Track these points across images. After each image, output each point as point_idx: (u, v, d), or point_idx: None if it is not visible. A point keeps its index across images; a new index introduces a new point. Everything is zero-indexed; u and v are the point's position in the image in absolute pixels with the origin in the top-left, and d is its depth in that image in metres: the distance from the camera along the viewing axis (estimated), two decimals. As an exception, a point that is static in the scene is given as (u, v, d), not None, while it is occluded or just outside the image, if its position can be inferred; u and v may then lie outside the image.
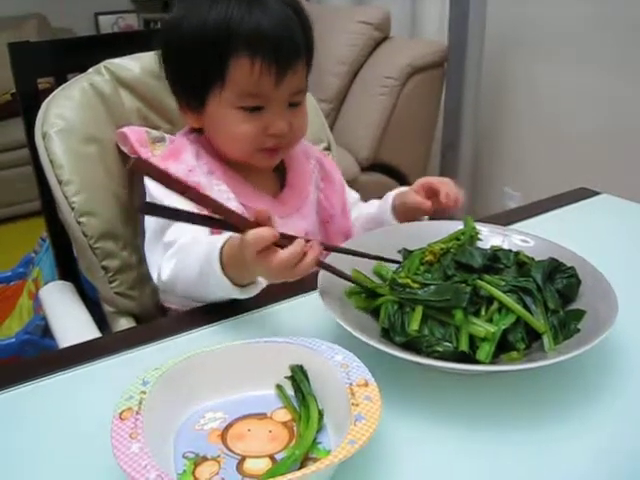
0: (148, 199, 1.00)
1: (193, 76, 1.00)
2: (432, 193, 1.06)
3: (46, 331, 1.99)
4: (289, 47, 0.97)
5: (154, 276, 0.99)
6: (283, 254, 0.75)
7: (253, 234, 0.75)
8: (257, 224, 0.76)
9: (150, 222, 1.01)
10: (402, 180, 2.42)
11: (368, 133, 2.62)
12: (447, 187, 1.05)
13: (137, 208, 0.83)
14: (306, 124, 1.08)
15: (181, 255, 0.92)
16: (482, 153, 2.79)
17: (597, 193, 1.30)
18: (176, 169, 1.01)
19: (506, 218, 1.15)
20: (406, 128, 2.67)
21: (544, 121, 2.57)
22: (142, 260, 1.06)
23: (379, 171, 2.62)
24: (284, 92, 0.99)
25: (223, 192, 1.02)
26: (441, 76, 2.65)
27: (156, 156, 1.07)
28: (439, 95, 2.71)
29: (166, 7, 4.35)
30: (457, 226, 0.95)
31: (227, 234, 0.84)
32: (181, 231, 0.95)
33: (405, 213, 1.09)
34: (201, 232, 0.93)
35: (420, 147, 2.76)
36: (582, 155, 2.43)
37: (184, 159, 1.04)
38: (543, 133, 2.59)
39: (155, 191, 0.99)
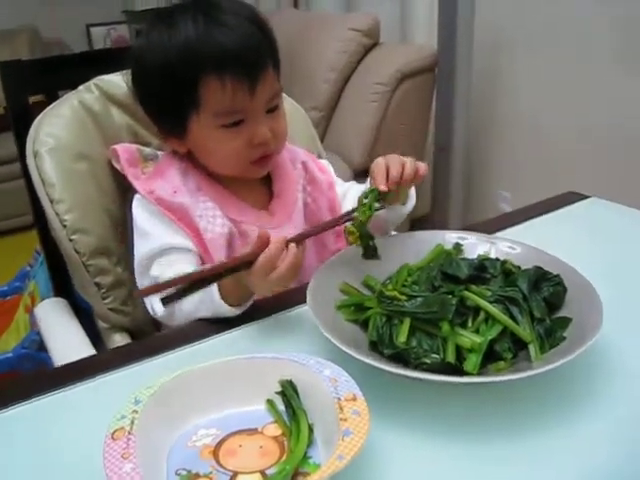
0: (135, 232, 1.05)
1: (168, 105, 1.01)
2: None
3: (43, 345, 1.99)
4: (256, 58, 0.98)
5: (148, 308, 1.01)
6: (258, 260, 0.82)
7: (263, 258, 0.82)
8: (260, 250, 0.83)
9: (137, 251, 1.04)
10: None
11: (360, 139, 2.63)
12: (394, 165, 0.96)
13: (138, 295, 0.86)
14: (286, 126, 1.08)
15: None
16: (474, 156, 2.80)
17: (586, 197, 1.30)
18: (162, 188, 1.03)
19: (495, 224, 1.17)
20: (398, 133, 2.68)
21: (535, 123, 2.58)
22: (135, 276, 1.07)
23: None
24: (260, 101, 0.99)
25: (209, 209, 1.03)
26: (431, 81, 2.66)
27: (145, 174, 1.08)
28: (430, 99, 2.71)
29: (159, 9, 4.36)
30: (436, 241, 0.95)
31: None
32: (164, 266, 0.99)
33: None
34: (185, 266, 0.98)
35: (412, 152, 2.72)
36: (574, 157, 2.44)
37: (169, 178, 1.05)
38: (534, 135, 2.60)
39: (145, 224, 1.03)
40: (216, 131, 1.00)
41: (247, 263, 0.83)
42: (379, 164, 0.96)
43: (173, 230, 1.02)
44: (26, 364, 2.05)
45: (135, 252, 1.05)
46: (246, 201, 1.09)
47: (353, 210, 0.92)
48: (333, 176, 1.22)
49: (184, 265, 0.99)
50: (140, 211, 1.05)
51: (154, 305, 0.98)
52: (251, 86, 0.97)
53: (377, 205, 0.92)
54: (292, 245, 0.85)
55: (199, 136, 1.02)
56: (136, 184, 1.06)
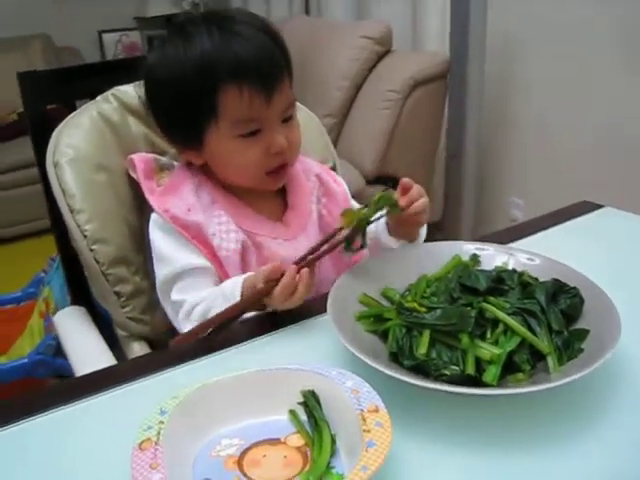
0: (154, 255, 1.08)
1: (184, 118, 1.02)
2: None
3: (58, 351, 2.01)
4: (272, 68, 1.00)
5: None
6: (276, 290, 0.89)
7: (279, 291, 0.89)
8: (277, 280, 0.89)
9: (157, 274, 1.07)
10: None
11: (372, 146, 2.64)
12: (413, 189, 1.02)
13: (175, 345, 0.91)
14: (300, 136, 1.09)
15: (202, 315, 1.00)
16: (486, 163, 2.80)
17: (600, 206, 1.31)
18: (176, 206, 1.05)
19: (509, 235, 1.17)
20: (410, 140, 2.69)
21: (547, 130, 2.59)
22: (154, 285, 1.09)
23: (384, 184, 2.63)
24: (276, 110, 1.01)
25: (223, 224, 1.05)
26: (444, 88, 2.67)
27: (161, 186, 1.10)
28: (442, 107, 2.72)
29: (169, 23, 4.39)
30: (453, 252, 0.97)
31: (238, 279, 0.98)
32: (183, 291, 1.04)
33: (395, 226, 1.08)
34: (203, 289, 1.02)
35: (424, 159, 2.78)
36: (587, 163, 2.44)
37: (183, 195, 1.06)
38: (547, 142, 2.60)
39: (162, 247, 1.06)
40: (234, 141, 1.01)
41: (265, 295, 0.91)
42: (410, 181, 1.02)
43: (189, 250, 1.04)
44: (41, 370, 2.06)
45: (156, 275, 1.07)
46: (261, 213, 1.10)
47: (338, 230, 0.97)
48: (347, 190, 1.23)
49: (202, 287, 1.02)
50: (157, 232, 1.07)
51: (182, 329, 1.03)
52: (268, 95, 0.99)
53: (383, 212, 0.98)
54: (304, 270, 0.91)
55: (216, 147, 1.03)
56: (151, 200, 1.07)
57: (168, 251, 1.05)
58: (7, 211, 3.64)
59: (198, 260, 1.03)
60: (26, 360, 2.08)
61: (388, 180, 2.63)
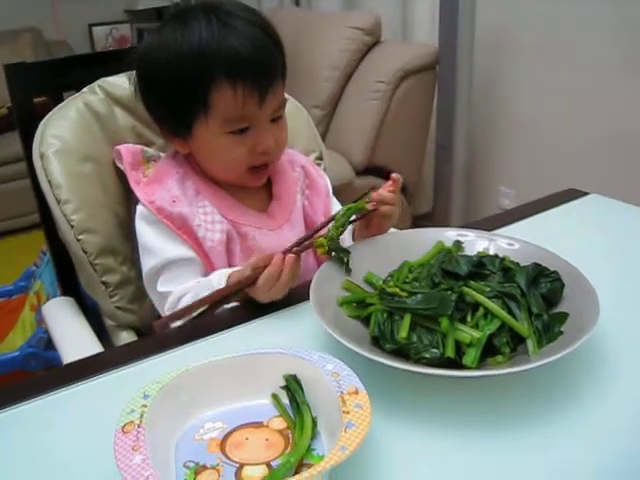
0: (140, 247, 1.08)
1: (175, 105, 1.02)
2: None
3: (49, 344, 2.01)
4: (269, 68, 1.00)
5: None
6: (261, 276, 0.89)
7: (263, 279, 0.90)
8: (264, 267, 0.90)
9: (143, 266, 1.08)
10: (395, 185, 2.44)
11: (362, 137, 2.64)
12: (388, 197, 1.02)
13: (158, 328, 0.91)
14: (287, 135, 1.10)
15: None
16: (476, 153, 2.81)
17: (586, 193, 1.32)
18: (161, 198, 1.05)
19: (496, 221, 1.18)
20: (400, 131, 2.70)
21: (536, 120, 2.60)
22: (141, 275, 1.09)
23: (374, 174, 2.64)
24: (267, 110, 1.02)
25: (208, 214, 1.06)
26: (433, 78, 2.67)
27: (146, 176, 1.10)
28: (431, 97, 2.73)
29: (160, 16, 4.38)
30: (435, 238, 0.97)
31: (225, 270, 0.99)
32: (168, 282, 1.04)
33: (360, 231, 1.08)
34: (188, 280, 1.02)
35: (414, 149, 2.78)
36: (575, 153, 2.45)
37: (168, 186, 1.07)
38: (535, 132, 2.61)
39: (148, 239, 1.06)
40: (222, 137, 1.02)
41: (249, 284, 0.91)
42: (398, 179, 1.04)
43: (174, 241, 1.04)
44: (33, 363, 2.07)
45: (142, 267, 1.08)
46: (245, 204, 1.10)
47: (330, 220, 0.97)
48: (329, 185, 1.23)
49: (187, 278, 1.03)
50: (143, 224, 1.07)
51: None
52: (261, 96, 0.99)
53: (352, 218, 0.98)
54: (290, 256, 0.91)
55: (203, 140, 1.03)
56: (137, 190, 1.08)
57: (154, 242, 1.05)
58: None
59: (184, 251, 1.04)
60: (17, 353, 2.09)
61: (377, 171, 2.64)
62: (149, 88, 1.06)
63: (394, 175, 1.03)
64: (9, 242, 3.61)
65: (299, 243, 0.97)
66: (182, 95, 1.00)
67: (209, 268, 1.04)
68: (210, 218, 1.05)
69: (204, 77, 0.97)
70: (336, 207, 1.21)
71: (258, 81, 0.98)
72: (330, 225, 0.95)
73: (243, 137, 1.02)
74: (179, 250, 1.04)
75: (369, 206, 1.00)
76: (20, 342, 2.18)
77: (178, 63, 0.98)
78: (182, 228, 1.04)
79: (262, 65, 0.99)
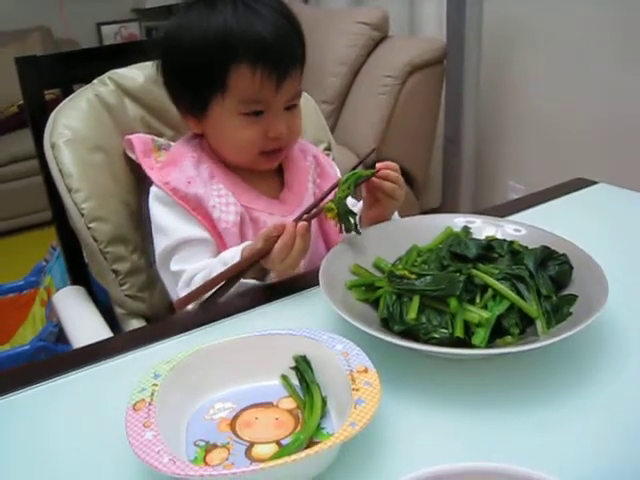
0: (153, 227, 1.09)
1: (194, 83, 1.04)
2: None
3: (59, 337, 2.02)
4: (289, 55, 1.02)
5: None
6: (275, 246, 0.89)
7: (278, 247, 0.90)
8: (277, 237, 0.90)
9: (156, 246, 1.08)
10: (405, 177, 2.44)
11: (370, 132, 2.65)
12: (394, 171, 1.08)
13: (178, 308, 0.90)
14: (301, 124, 1.12)
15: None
16: (484, 147, 2.81)
17: (594, 182, 1.32)
18: (176, 179, 1.06)
19: (504, 209, 1.18)
20: (408, 125, 2.70)
21: (544, 114, 2.59)
22: (151, 264, 1.10)
23: (382, 169, 2.64)
24: (283, 97, 1.03)
25: (223, 196, 1.06)
26: (441, 73, 2.68)
27: (159, 163, 1.11)
28: (439, 92, 2.73)
29: (168, 15, 4.38)
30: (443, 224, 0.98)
31: (237, 247, 1.00)
32: (182, 262, 1.04)
33: (368, 209, 1.09)
34: (201, 260, 1.03)
35: (422, 143, 2.78)
36: (583, 147, 2.45)
37: (183, 168, 1.08)
38: (544, 126, 2.61)
39: (162, 219, 1.06)
40: (235, 117, 1.03)
41: (264, 254, 0.91)
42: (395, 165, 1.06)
43: (189, 221, 1.05)
44: (43, 356, 2.07)
45: (155, 247, 1.08)
46: (258, 189, 1.11)
47: (333, 187, 0.98)
48: (339, 174, 1.24)
49: (201, 258, 1.03)
50: (157, 205, 1.08)
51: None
52: (279, 81, 1.01)
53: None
54: (302, 224, 0.91)
55: (218, 119, 1.05)
56: (151, 174, 1.09)
57: (168, 222, 1.06)
58: (8, 203, 3.65)
59: (198, 232, 1.05)
60: (28, 347, 2.09)
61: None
62: (171, 64, 1.08)
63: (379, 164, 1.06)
64: (20, 239, 3.62)
65: (308, 211, 0.98)
66: (202, 73, 1.02)
67: (223, 250, 1.04)
68: (224, 200, 1.06)
69: (226, 58, 0.99)
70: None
71: (277, 67, 1.00)
72: (336, 190, 0.96)
73: (256, 120, 1.03)
74: (194, 230, 1.05)
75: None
76: (30, 337, 2.18)
77: (202, 42, 1.00)
78: (197, 209, 1.05)
79: (283, 52, 1.01)
